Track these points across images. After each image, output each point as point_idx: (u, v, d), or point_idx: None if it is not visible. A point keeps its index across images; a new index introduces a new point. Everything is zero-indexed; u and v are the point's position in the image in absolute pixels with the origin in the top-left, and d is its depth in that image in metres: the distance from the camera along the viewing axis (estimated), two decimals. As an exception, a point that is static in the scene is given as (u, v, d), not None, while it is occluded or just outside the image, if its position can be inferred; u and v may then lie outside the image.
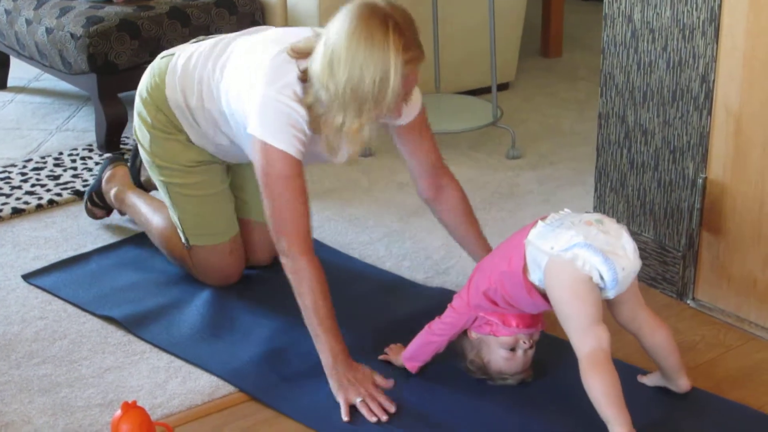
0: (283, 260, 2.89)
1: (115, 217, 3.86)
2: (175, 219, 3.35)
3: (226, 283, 3.39)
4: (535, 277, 2.68)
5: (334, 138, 2.87)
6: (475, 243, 3.20)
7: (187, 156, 3.27)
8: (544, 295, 2.69)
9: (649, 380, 2.87)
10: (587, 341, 2.59)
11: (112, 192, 3.72)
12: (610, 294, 2.63)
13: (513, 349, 2.83)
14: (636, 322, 2.76)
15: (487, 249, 3.15)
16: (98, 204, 3.79)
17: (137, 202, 3.62)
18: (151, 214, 3.54)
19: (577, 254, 2.59)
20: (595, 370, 2.56)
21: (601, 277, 2.59)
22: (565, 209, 2.77)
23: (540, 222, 2.72)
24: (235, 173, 3.40)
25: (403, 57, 2.75)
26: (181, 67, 3.18)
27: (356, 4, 2.79)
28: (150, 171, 3.36)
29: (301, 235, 2.88)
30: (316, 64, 2.81)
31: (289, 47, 2.91)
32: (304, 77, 2.86)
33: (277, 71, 2.88)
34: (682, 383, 2.82)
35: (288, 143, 2.86)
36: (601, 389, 2.55)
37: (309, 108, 2.86)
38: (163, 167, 3.29)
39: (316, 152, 2.98)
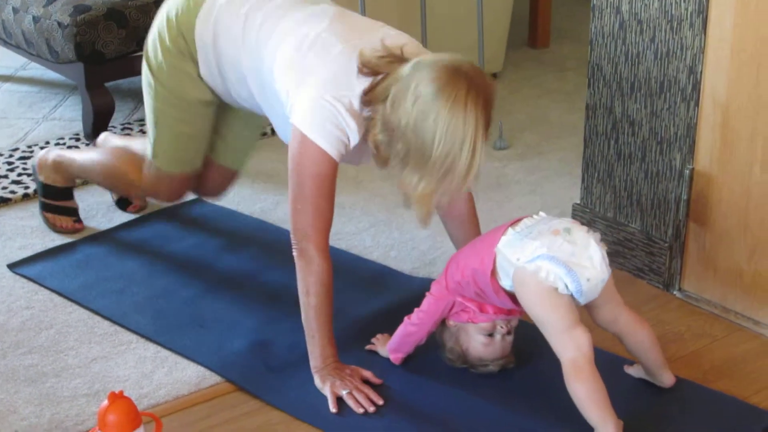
0: (297, 254, 2.85)
1: (100, 208, 3.86)
2: (150, 136, 3.34)
3: (168, 202, 3.57)
4: (505, 283, 2.69)
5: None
6: None
7: (193, 94, 3.23)
8: (513, 297, 2.71)
9: (635, 371, 2.88)
10: (567, 347, 2.60)
11: (50, 162, 3.68)
12: (580, 301, 2.64)
13: (491, 335, 2.84)
14: (617, 324, 2.76)
15: None
16: (56, 207, 3.74)
17: (75, 154, 3.65)
18: (94, 153, 3.61)
19: (540, 266, 2.59)
20: (578, 377, 2.58)
21: (567, 287, 2.59)
22: (541, 213, 2.75)
23: (510, 229, 2.71)
24: (218, 117, 3.37)
25: (483, 137, 2.66)
26: (224, 5, 3.09)
27: (451, 69, 2.67)
28: (146, 92, 3.30)
29: (322, 234, 2.85)
30: (393, 112, 2.69)
31: (359, 60, 2.80)
32: (368, 101, 2.78)
33: (340, 81, 2.80)
34: (665, 378, 2.82)
35: (330, 143, 2.80)
36: (585, 395, 2.57)
37: (362, 127, 2.81)
38: (164, 95, 3.25)
39: (359, 157, 2.98)
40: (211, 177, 3.46)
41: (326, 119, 2.79)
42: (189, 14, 3.14)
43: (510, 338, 2.87)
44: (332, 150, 2.81)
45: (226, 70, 3.12)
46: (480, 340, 2.86)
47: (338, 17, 2.97)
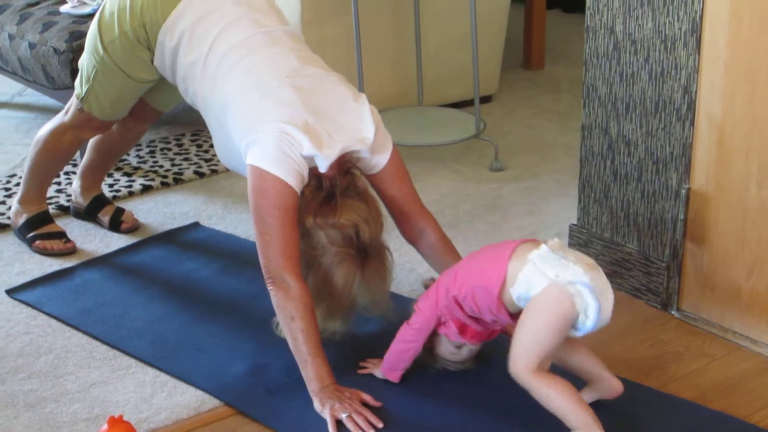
0: (273, 286, 2.90)
1: (97, 233, 3.86)
2: (82, 85, 3.50)
3: (90, 137, 3.79)
4: (515, 290, 2.68)
5: None
6: None
7: (140, 75, 3.42)
8: (510, 314, 2.71)
9: (587, 395, 2.82)
10: (532, 362, 2.62)
11: (15, 206, 3.85)
12: (577, 335, 2.66)
13: (460, 347, 2.90)
14: (561, 349, 2.78)
15: None
16: (42, 234, 3.78)
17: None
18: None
19: (580, 292, 2.59)
20: (547, 382, 2.62)
21: (585, 321, 2.61)
22: (555, 238, 2.74)
23: (544, 246, 2.70)
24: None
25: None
26: (195, 21, 3.22)
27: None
28: (90, 53, 3.45)
29: (293, 261, 2.91)
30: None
31: (303, 124, 2.96)
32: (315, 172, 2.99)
33: (291, 121, 2.97)
34: (615, 384, 2.81)
35: (289, 173, 2.91)
36: (561, 398, 2.60)
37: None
38: (110, 68, 3.41)
39: None
40: (138, 113, 3.67)
41: (282, 152, 2.91)
42: (156, 12, 3.27)
43: (476, 349, 2.94)
44: (292, 180, 2.92)
45: (178, 76, 3.28)
46: (449, 349, 2.93)
47: (296, 72, 3.10)
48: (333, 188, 2.95)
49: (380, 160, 3.10)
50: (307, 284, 2.93)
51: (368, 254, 2.98)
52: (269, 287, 2.92)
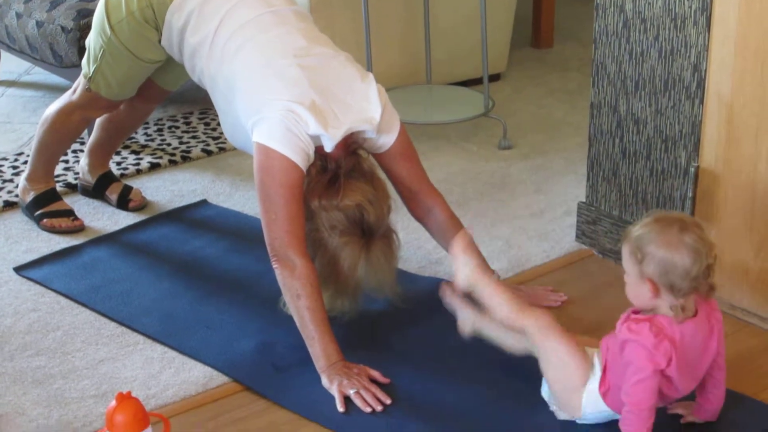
0: (278, 264, 2.91)
1: (105, 211, 3.86)
2: (90, 65, 3.50)
3: (98, 116, 3.80)
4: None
5: None
6: None
7: (147, 56, 3.41)
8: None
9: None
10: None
11: (23, 183, 3.84)
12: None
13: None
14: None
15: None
16: (49, 212, 3.78)
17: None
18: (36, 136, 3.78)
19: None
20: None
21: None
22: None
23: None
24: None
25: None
26: (198, 2, 3.22)
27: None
28: (97, 33, 3.45)
29: (298, 239, 2.91)
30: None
31: (309, 107, 2.95)
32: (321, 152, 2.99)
33: (297, 99, 2.96)
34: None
35: (295, 152, 2.91)
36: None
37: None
38: (118, 49, 3.41)
39: None
40: (145, 92, 3.67)
41: (288, 131, 2.91)
42: None
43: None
44: (298, 159, 2.91)
45: (186, 55, 3.27)
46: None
47: (303, 51, 3.09)
48: (338, 169, 2.95)
49: (387, 139, 3.09)
50: (315, 266, 2.93)
51: (374, 236, 2.98)
52: (274, 265, 2.92)
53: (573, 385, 2.65)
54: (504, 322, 2.76)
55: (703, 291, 2.52)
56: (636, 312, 2.54)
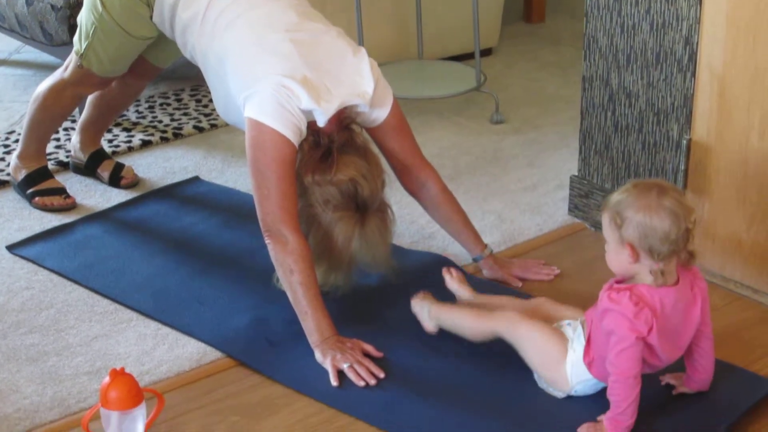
0: (271, 240, 2.91)
1: (97, 188, 3.86)
2: (81, 42, 3.48)
3: (90, 93, 3.78)
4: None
5: None
6: (459, 233, 3.27)
7: (140, 32, 3.40)
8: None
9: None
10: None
11: (15, 161, 3.83)
12: None
13: None
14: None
15: (474, 238, 3.25)
16: (41, 191, 3.77)
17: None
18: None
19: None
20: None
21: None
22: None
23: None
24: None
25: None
26: None
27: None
28: (88, 9, 3.44)
29: (291, 214, 2.91)
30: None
31: (302, 79, 2.94)
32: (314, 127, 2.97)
33: (289, 74, 2.95)
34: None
35: (287, 127, 2.90)
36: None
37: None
38: (110, 26, 3.40)
39: None
40: (137, 69, 3.64)
41: (280, 105, 2.90)
42: None
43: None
44: (290, 134, 2.90)
45: (177, 31, 3.26)
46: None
47: (295, 26, 3.08)
48: (330, 144, 2.95)
49: (380, 113, 3.09)
50: (309, 242, 2.93)
51: (368, 211, 2.98)
52: (267, 241, 2.92)
53: (553, 360, 2.68)
54: (474, 335, 2.85)
55: (684, 258, 2.52)
56: (619, 282, 2.55)
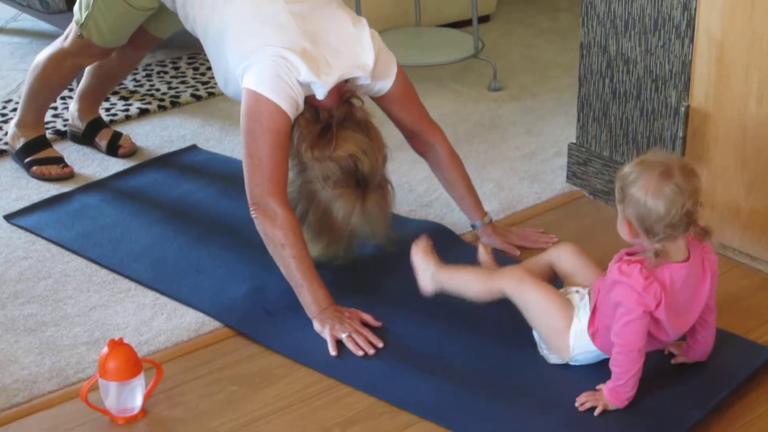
0: (259, 214, 2.90)
1: (95, 157, 3.85)
2: (82, 12, 3.47)
3: (90, 63, 3.75)
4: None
5: None
6: (462, 198, 3.27)
7: (140, 2, 3.41)
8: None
9: None
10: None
11: (13, 129, 3.82)
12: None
13: None
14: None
15: (475, 205, 3.25)
16: (39, 159, 3.77)
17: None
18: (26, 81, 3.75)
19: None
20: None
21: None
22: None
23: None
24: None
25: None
26: None
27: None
28: None
29: (280, 188, 2.90)
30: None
31: (300, 54, 2.91)
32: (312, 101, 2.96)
33: (288, 45, 2.93)
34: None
35: (284, 99, 2.89)
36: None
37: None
38: None
39: None
40: (137, 40, 3.62)
41: (278, 77, 2.88)
42: None
43: None
44: (286, 106, 2.89)
45: (178, 2, 3.24)
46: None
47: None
48: (330, 119, 2.93)
49: (384, 84, 3.08)
50: (308, 218, 2.92)
51: (368, 187, 2.97)
52: (254, 215, 2.91)
53: (558, 327, 2.67)
54: (480, 294, 2.81)
55: (698, 233, 2.52)
56: (630, 254, 2.55)
